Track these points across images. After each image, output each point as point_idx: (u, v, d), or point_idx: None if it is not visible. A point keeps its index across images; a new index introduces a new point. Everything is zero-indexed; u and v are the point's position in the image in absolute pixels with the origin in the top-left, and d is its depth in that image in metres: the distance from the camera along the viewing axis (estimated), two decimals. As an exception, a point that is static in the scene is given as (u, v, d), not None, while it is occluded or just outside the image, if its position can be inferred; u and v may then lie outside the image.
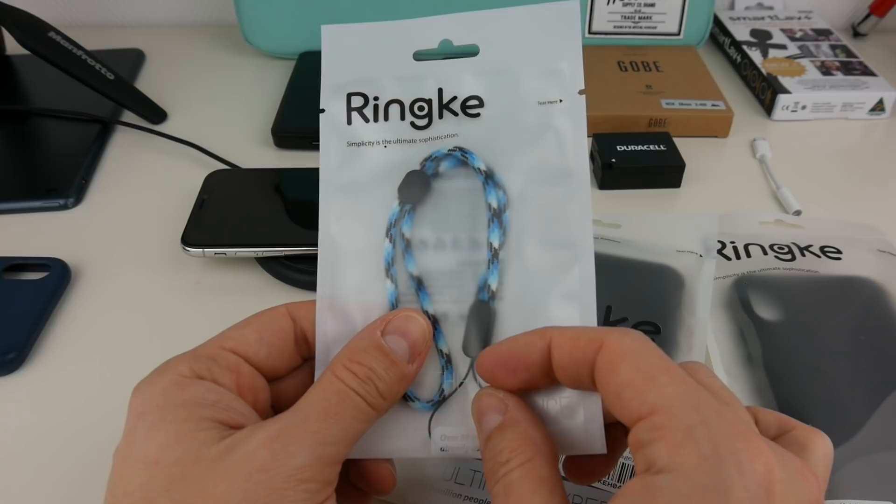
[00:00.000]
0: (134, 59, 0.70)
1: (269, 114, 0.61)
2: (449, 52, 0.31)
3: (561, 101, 0.30)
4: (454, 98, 0.30)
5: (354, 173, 0.30)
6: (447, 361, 0.29)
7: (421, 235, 0.30)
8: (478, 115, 0.30)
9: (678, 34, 0.69)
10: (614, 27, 0.68)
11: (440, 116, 0.30)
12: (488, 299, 0.29)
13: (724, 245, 0.46)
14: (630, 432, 0.22)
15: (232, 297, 0.45)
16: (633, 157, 0.53)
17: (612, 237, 0.46)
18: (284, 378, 0.29)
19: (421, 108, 0.31)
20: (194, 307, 0.44)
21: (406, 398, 0.28)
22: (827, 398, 0.35)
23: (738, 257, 0.45)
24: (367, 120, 0.31)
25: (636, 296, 0.41)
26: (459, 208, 0.30)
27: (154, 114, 0.61)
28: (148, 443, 0.24)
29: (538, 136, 0.30)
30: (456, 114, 0.30)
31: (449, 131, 0.30)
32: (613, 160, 0.52)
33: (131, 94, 0.61)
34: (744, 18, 0.74)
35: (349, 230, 0.30)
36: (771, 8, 0.76)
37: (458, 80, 0.31)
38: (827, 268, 0.44)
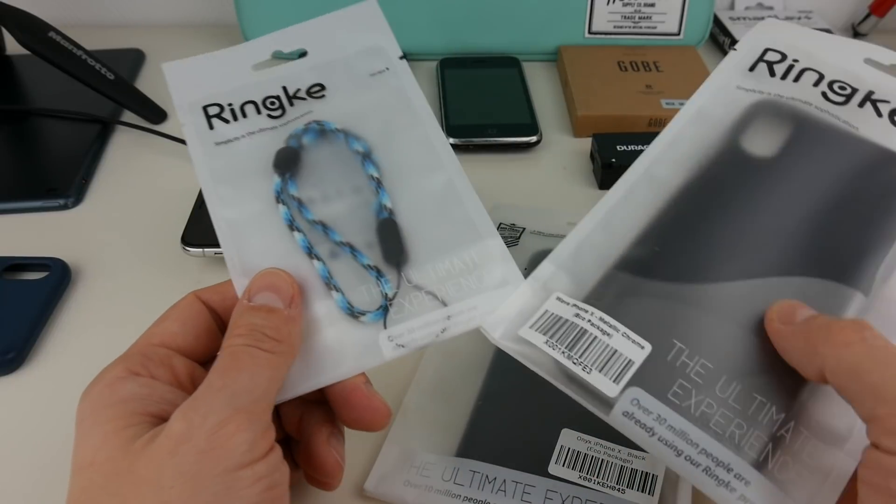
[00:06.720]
0: (134, 59, 0.70)
1: (269, 114, 0.61)
2: (282, 59, 0.36)
3: (388, 69, 0.35)
4: (298, 90, 0.35)
5: (229, 165, 0.33)
6: (378, 272, 0.31)
7: (308, 195, 0.33)
8: (323, 96, 0.35)
9: (678, 34, 0.69)
10: (614, 27, 0.68)
11: (291, 104, 0.35)
12: (389, 216, 0.32)
13: (783, 57, 0.37)
14: None
15: (232, 297, 0.45)
16: (634, 157, 0.52)
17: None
18: None
19: (273, 103, 0.35)
20: (194, 307, 0.44)
21: (354, 315, 0.31)
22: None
23: (783, 77, 0.36)
24: (227, 121, 0.34)
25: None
26: (331, 166, 0.33)
27: (154, 114, 0.61)
28: (84, 448, 0.25)
29: (380, 98, 0.35)
30: (304, 99, 0.35)
31: (303, 111, 0.35)
32: (613, 160, 0.52)
33: (131, 94, 0.61)
34: (744, 18, 0.74)
35: (239, 207, 0.32)
36: (771, 8, 0.76)
37: (297, 76, 0.35)
38: (871, 131, 0.33)
